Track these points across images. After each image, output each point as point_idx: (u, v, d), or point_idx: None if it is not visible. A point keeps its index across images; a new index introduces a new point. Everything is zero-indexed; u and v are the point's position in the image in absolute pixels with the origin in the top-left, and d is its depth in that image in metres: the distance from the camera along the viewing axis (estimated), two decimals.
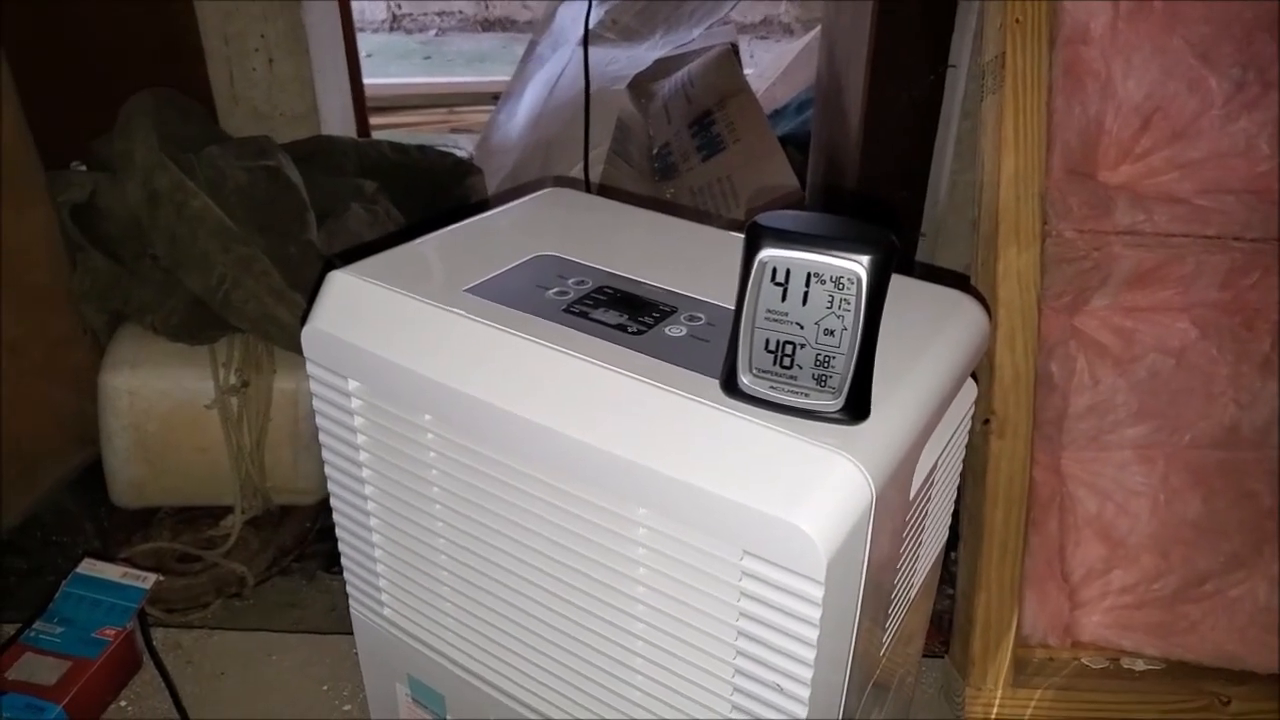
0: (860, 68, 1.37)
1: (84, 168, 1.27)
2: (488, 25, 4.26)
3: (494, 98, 2.20)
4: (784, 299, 0.45)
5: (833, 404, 0.45)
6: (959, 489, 0.66)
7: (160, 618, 1.07)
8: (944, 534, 0.65)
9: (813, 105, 1.88)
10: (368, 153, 1.42)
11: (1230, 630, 0.87)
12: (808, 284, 0.44)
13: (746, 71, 1.87)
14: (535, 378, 0.51)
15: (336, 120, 1.54)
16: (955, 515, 0.71)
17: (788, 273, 0.44)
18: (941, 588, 1.03)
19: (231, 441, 1.19)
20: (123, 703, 0.96)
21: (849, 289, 0.43)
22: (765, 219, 0.45)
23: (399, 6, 4.22)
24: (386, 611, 0.67)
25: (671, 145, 1.73)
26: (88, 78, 1.30)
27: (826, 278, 0.44)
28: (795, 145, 1.82)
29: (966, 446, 0.63)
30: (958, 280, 0.68)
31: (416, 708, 0.70)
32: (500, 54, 3.73)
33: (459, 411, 0.53)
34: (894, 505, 0.49)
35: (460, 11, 4.27)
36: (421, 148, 1.48)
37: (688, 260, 0.63)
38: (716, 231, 0.68)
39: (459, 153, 1.60)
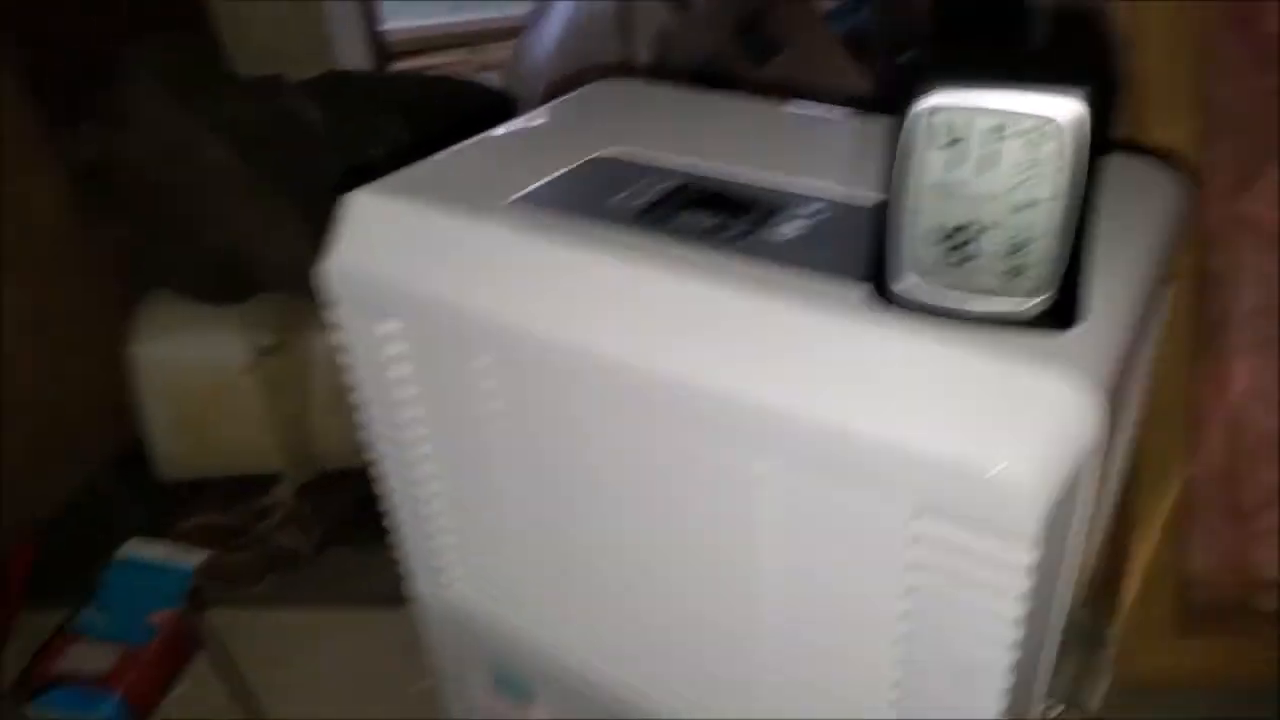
0: None
1: (93, 125, 1.19)
2: None
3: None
4: (959, 166, 0.32)
5: (1031, 304, 0.33)
6: None
7: (214, 595, 1.01)
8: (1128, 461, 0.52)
9: None
10: (389, 87, 1.34)
11: None
12: (994, 142, 0.32)
13: None
14: (616, 302, 0.40)
15: (353, 54, 1.44)
16: None
17: (965, 128, 0.32)
18: None
19: (273, 405, 1.13)
20: (184, 686, 0.91)
21: (1055, 144, 0.31)
22: (929, 53, 0.32)
23: None
24: (455, 587, 0.58)
25: (719, 55, 1.59)
26: (89, 27, 1.20)
27: (1021, 131, 0.31)
28: (856, 44, 1.67)
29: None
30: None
31: (500, 699, 0.61)
32: None
33: (523, 350, 0.43)
34: (1113, 434, 0.37)
35: None
36: (446, 79, 1.39)
37: (786, 147, 0.51)
38: (817, 109, 0.55)
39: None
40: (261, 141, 1.12)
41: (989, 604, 0.34)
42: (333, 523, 1.13)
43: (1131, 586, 0.74)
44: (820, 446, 0.35)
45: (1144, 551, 0.74)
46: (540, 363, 0.43)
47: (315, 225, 1.11)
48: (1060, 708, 0.56)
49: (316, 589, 1.03)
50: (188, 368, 1.12)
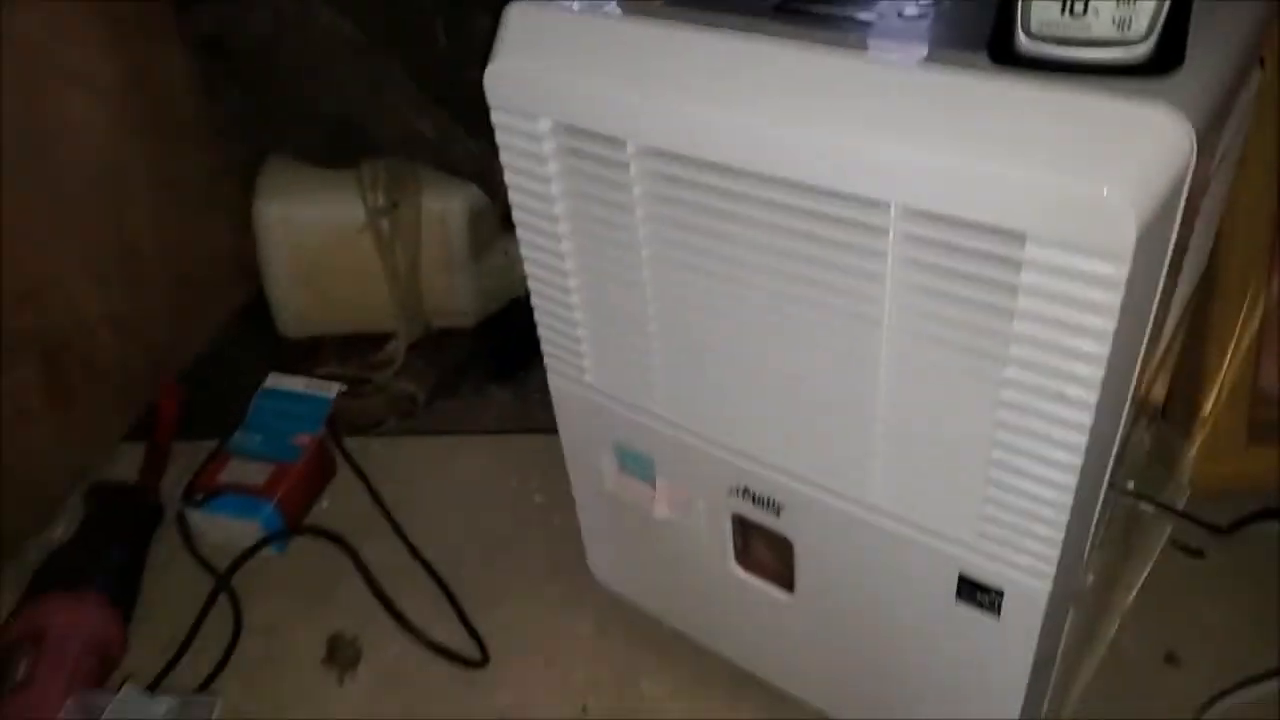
0: None
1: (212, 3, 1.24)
2: None
3: None
4: None
5: (1139, 51, 0.38)
6: None
7: (344, 431, 1.10)
8: (1209, 249, 0.57)
9: None
10: None
11: None
12: None
13: None
14: (760, 77, 0.45)
15: None
16: None
17: None
18: None
19: (387, 265, 1.19)
20: (325, 504, 1.01)
21: None
22: None
23: None
24: (589, 377, 0.66)
25: None
26: None
27: None
28: None
29: None
30: None
31: (624, 476, 0.70)
32: None
33: (671, 129, 0.49)
34: (1201, 172, 0.42)
35: None
36: None
37: None
38: None
39: None
40: (372, 11, 1.15)
41: (1085, 322, 0.40)
42: (442, 375, 1.22)
43: (1209, 398, 0.79)
44: (940, 186, 0.41)
45: (1222, 366, 0.78)
46: (687, 141, 0.48)
47: (423, 91, 1.17)
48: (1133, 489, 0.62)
49: (436, 428, 1.11)
50: (305, 228, 1.17)
